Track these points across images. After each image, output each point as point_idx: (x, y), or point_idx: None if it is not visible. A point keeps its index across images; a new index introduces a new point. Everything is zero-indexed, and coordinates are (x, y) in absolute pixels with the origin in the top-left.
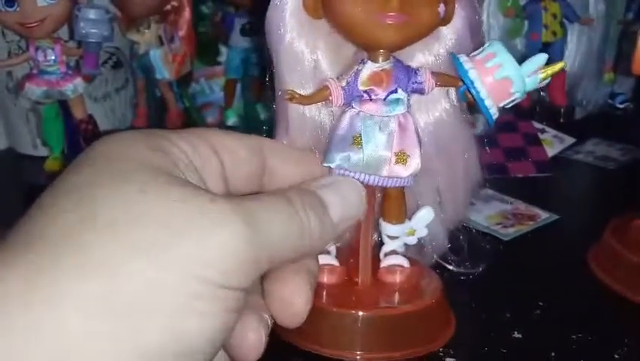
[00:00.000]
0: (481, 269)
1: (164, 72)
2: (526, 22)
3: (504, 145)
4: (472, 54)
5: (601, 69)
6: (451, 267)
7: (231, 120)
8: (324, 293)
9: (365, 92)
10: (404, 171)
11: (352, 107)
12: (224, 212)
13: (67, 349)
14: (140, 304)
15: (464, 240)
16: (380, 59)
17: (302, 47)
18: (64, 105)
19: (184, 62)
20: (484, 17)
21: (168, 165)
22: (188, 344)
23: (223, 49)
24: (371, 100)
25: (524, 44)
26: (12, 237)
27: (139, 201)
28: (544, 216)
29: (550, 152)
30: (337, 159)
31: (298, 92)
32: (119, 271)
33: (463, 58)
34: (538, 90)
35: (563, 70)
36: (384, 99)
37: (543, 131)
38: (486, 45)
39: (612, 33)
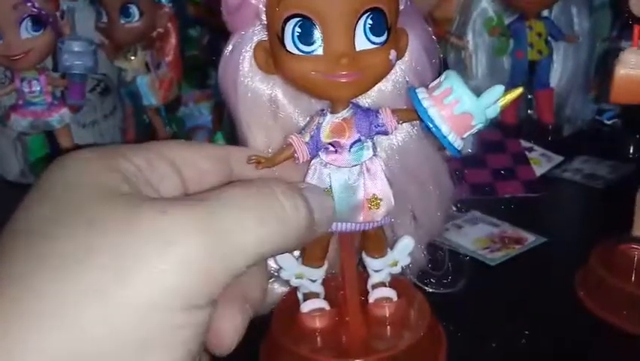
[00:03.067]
0: (460, 288)
1: (151, 99)
2: (511, 41)
3: (492, 165)
4: (431, 85)
5: (588, 86)
6: (429, 288)
7: (221, 143)
8: (318, 340)
9: (329, 144)
10: (378, 215)
11: (319, 156)
12: (177, 223)
13: None
14: (106, 349)
15: (443, 258)
16: (339, 108)
17: (258, 84)
18: (50, 134)
19: (171, 87)
20: (470, 37)
21: (118, 183)
22: None
23: (212, 72)
24: (336, 152)
25: (510, 63)
26: None
27: (88, 236)
28: (531, 239)
29: (539, 171)
30: None
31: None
32: (78, 318)
33: (421, 94)
34: (525, 108)
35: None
36: (349, 150)
37: (531, 149)
38: (442, 78)
39: (598, 50)
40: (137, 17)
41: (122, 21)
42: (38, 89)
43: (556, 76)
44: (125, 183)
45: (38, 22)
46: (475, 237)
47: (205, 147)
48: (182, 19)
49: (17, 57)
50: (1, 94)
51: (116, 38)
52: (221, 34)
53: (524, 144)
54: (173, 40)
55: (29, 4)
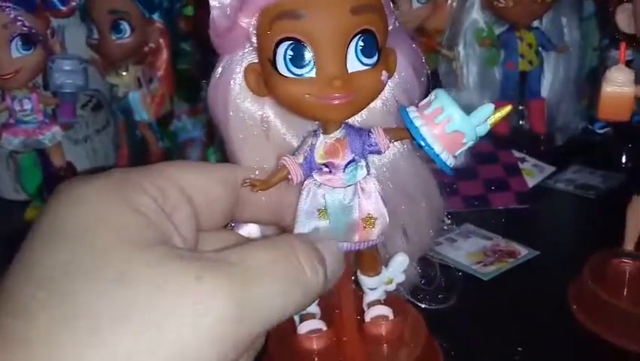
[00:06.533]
0: (453, 303)
1: (143, 114)
2: (502, 52)
3: (484, 176)
4: (421, 104)
5: (579, 95)
6: (422, 305)
7: (214, 157)
8: None
9: (323, 164)
10: (374, 234)
11: (312, 177)
12: (212, 295)
13: None
14: None
15: (436, 274)
16: (332, 129)
17: (248, 106)
18: (42, 152)
19: (163, 102)
20: (461, 48)
21: (142, 227)
22: None
23: (204, 86)
24: (330, 172)
25: (501, 73)
26: None
27: (118, 295)
28: (523, 252)
29: (531, 182)
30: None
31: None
32: None
33: (412, 113)
34: (517, 118)
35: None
36: (344, 170)
37: (523, 160)
38: (432, 97)
39: (589, 59)
40: (128, 33)
41: (114, 37)
42: (29, 107)
43: (547, 86)
44: (148, 226)
45: (28, 40)
46: (468, 251)
47: (214, 170)
48: (174, 33)
49: (7, 76)
50: None
51: (107, 54)
52: (212, 48)
53: (516, 154)
54: (164, 55)
55: (19, 22)
